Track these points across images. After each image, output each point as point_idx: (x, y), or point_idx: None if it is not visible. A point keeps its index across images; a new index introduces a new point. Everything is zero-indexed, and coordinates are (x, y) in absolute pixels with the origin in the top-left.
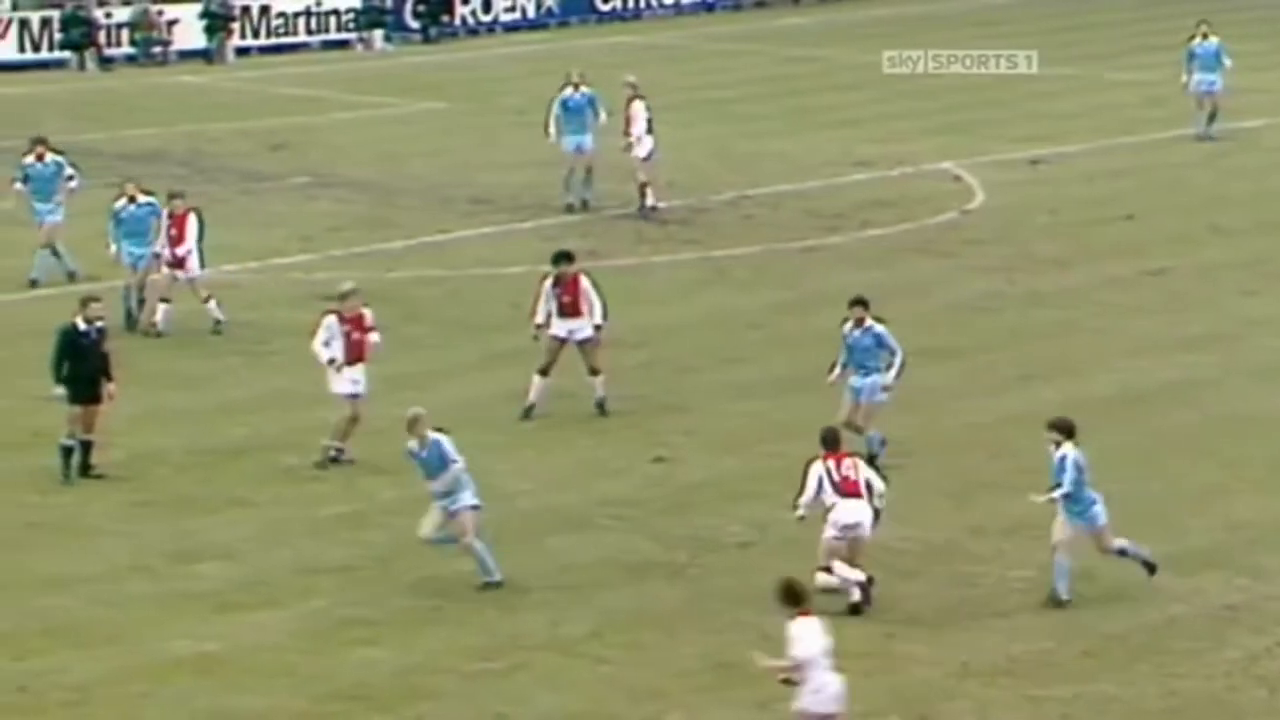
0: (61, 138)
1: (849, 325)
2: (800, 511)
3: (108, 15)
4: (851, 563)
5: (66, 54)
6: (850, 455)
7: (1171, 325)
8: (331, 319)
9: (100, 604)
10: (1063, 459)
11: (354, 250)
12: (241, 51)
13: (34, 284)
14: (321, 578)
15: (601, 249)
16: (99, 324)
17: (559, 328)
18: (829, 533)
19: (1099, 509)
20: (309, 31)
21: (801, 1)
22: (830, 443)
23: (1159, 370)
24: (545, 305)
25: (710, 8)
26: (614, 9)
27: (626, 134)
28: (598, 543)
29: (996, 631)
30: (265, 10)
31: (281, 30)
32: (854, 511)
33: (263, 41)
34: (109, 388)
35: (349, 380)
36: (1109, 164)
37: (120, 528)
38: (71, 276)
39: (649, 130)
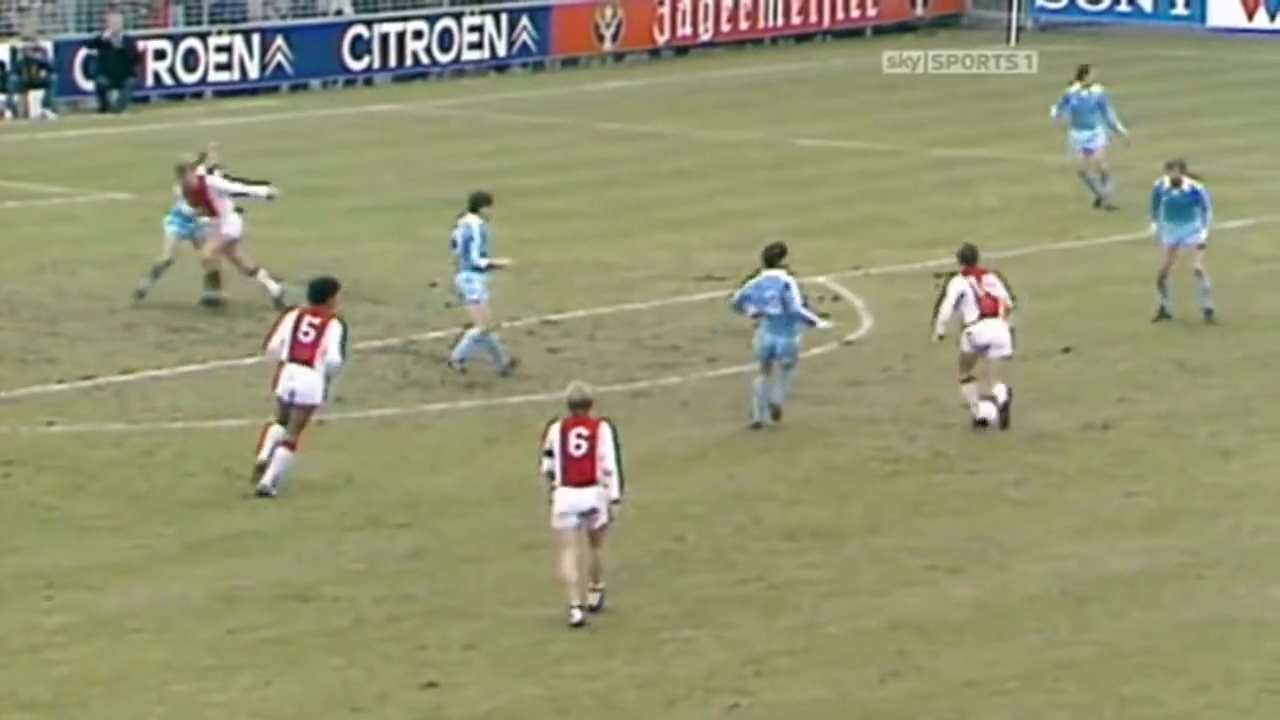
0: None
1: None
2: (940, 331)
3: None
4: (988, 381)
5: None
6: (989, 272)
7: (1124, 498)
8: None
9: None
10: None
11: None
12: None
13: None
14: None
15: (353, 395)
16: None
17: None
18: (964, 345)
19: None
20: None
21: (626, 59)
22: (969, 258)
23: (1107, 558)
24: None
25: (502, 68)
26: (369, 66)
27: (211, 217)
28: None
29: None
30: None
31: None
32: (989, 331)
33: None
34: None
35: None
36: (1038, 278)
37: None
38: None
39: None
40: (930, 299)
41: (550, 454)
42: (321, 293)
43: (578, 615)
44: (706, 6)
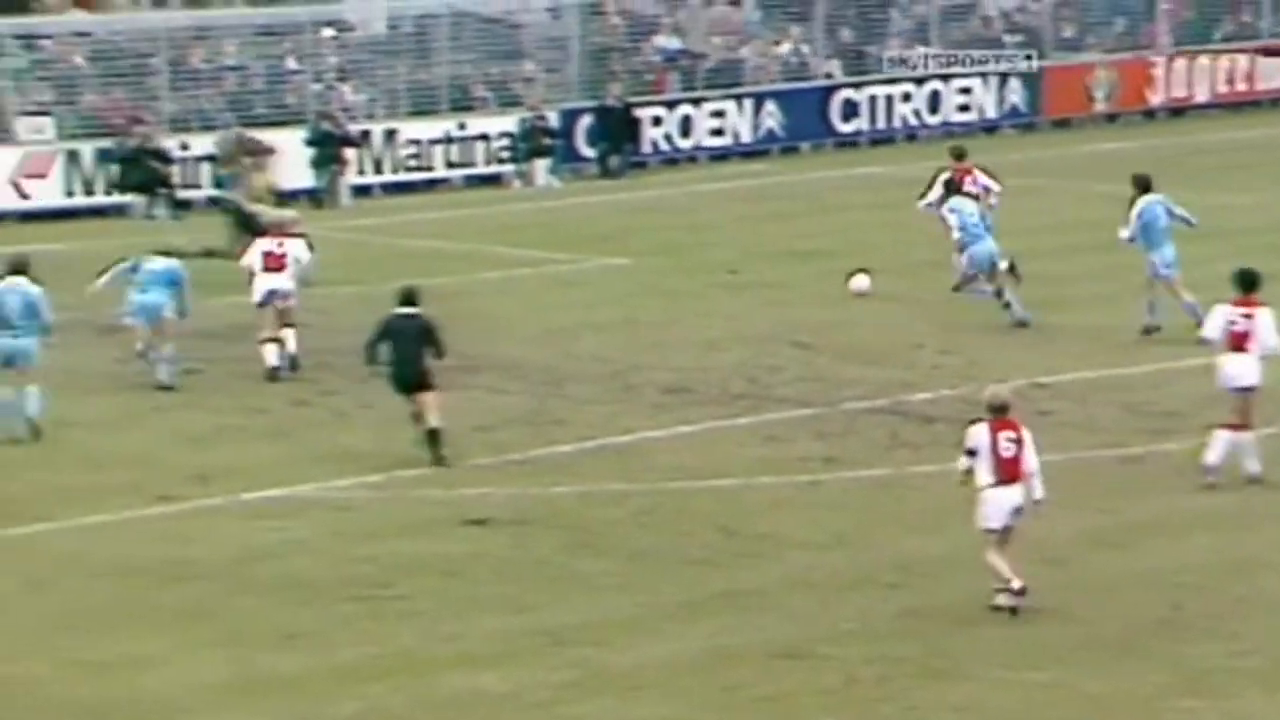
0: (108, 308)
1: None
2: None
3: (184, 146)
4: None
5: (129, 197)
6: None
7: None
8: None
9: None
10: None
11: (508, 457)
12: (360, 190)
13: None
14: None
15: (843, 455)
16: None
17: None
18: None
19: None
20: (449, 164)
21: (1119, 120)
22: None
23: None
24: None
25: (992, 129)
26: (859, 130)
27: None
28: None
29: None
30: (391, 136)
31: (413, 163)
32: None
33: (388, 178)
34: None
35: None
36: None
37: None
38: None
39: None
40: None
41: (972, 453)
42: (1250, 283)
43: (1004, 599)
44: (1202, 68)
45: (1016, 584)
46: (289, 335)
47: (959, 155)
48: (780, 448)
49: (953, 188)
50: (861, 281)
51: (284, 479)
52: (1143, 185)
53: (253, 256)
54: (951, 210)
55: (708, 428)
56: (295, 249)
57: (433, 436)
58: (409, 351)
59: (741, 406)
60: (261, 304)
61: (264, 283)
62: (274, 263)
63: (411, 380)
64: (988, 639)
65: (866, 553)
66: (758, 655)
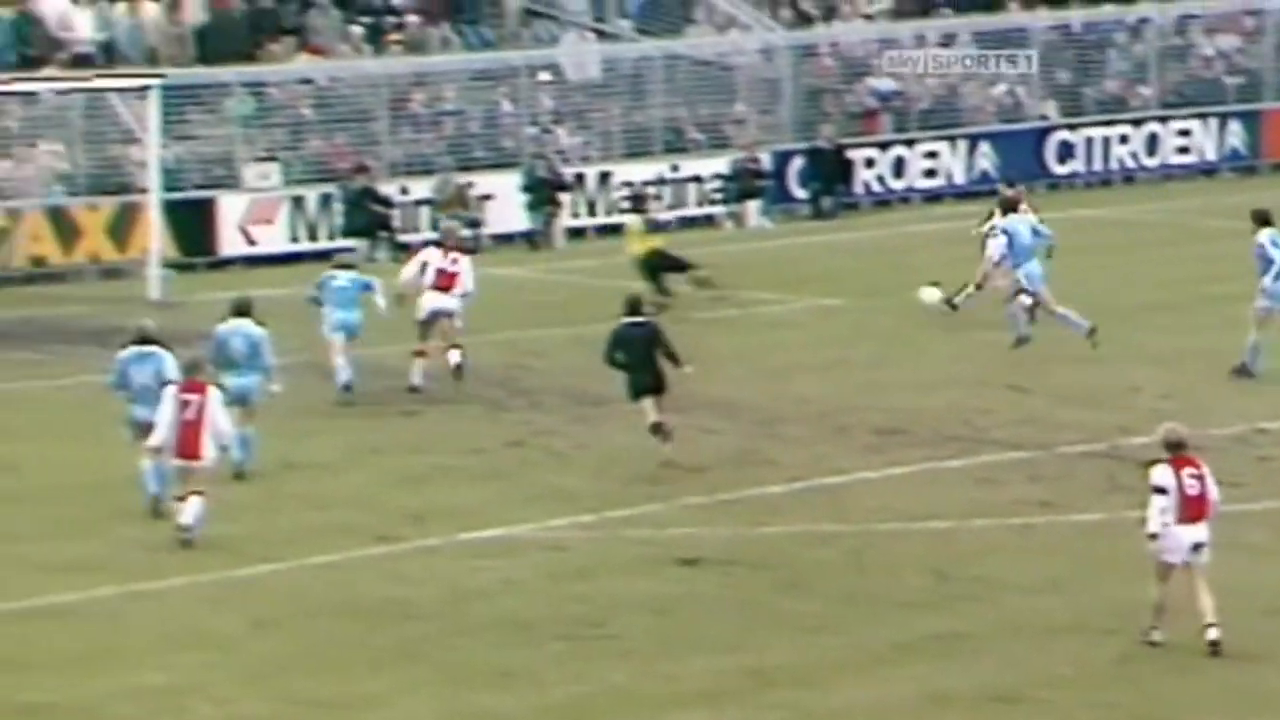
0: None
1: None
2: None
3: (404, 190)
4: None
5: (351, 242)
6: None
7: None
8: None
9: None
10: None
11: (719, 497)
12: (575, 233)
13: None
14: None
15: (1058, 499)
16: None
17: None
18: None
19: None
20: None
21: None
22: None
23: None
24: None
25: (1210, 171)
26: (1074, 172)
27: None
28: None
29: None
30: (605, 179)
31: (627, 205)
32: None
33: (601, 220)
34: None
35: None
36: None
37: None
38: None
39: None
40: None
41: (1161, 491)
42: None
43: (1158, 636)
44: None
45: (1158, 635)
46: (455, 353)
47: (1010, 183)
48: (994, 490)
49: (1010, 206)
50: (932, 293)
51: (499, 519)
52: (1261, 219)
53: (425, 269)
54: (1004, 231)
55: (920, 469)
56: (467, 266)
57: (658, 429)
58: (642, 358)
59: (955, 448)
60: (426, 322)
61: (431, 301)
62: (445, 281)
63: (646, 386)
64: (1205, 687)
65: (1082, 597)
66: (969, 699)
